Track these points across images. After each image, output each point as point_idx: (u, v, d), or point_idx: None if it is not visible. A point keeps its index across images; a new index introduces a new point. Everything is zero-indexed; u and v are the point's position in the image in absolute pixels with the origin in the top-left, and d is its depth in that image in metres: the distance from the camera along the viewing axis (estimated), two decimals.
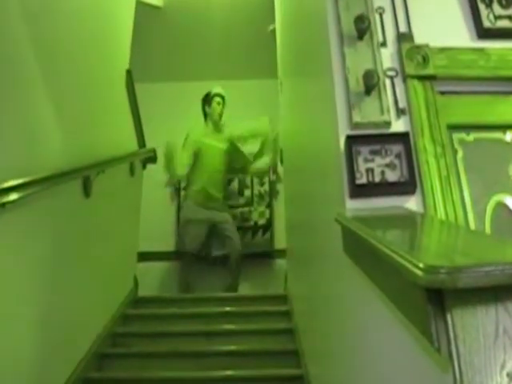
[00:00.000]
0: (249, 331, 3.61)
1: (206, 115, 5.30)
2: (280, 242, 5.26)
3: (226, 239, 5.07)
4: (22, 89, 2.25)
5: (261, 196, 5.92)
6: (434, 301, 0.84)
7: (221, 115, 5.22)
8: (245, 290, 5.15)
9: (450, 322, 0.81)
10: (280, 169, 5.53)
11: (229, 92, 5.62)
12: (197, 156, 5.12)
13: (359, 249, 1.39)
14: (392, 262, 0.95)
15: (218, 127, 5.25)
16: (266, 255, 5.67)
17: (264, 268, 5.57)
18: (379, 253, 1.05)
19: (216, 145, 5.16)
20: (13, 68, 2.17)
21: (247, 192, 5.89)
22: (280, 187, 5.79)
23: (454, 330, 0.80)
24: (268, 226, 5.78)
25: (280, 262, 5.32)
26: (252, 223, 5.75)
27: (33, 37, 2.35)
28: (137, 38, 4.52)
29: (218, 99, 5.21)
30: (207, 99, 5.24)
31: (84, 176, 2.94)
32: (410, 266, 0.85)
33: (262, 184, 5.98)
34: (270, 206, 5.90)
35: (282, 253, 4.91)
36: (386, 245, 1.03)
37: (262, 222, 5.78)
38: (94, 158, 3.07)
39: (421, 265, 0.82)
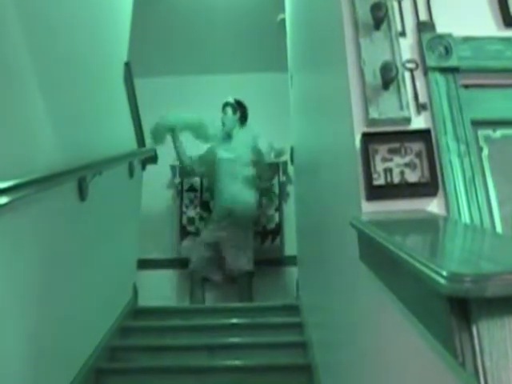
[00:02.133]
0: (257, 345, 3.61)
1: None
2: (291, 248, 5.24)
3: (230, 256, 5.09)
4: (10, 83, 2.25)
5: (270, 199, 5.92)
6: (458, 311, 0.84)
7: (229, 123, 5.30)
8: (253, 299, 5.13)
9: (475, 334, 0.81)
10: (290, 169, 5.54)
11: (236, 86, 5.62)
12: (213, 173, 5.30)
13: (376, 255, 1.39)
14: (412, 269, 0.95)
15: (227, 136, 5.32)
16: (275, 262, 5.67)
17: (274, 276, 5.57)
18: (398, 260, 1.05)
19: (225, 156, 5.24)
20: (0, 59, 2.17)
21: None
22: (290, 189, 5.79)
23: (480, 343, 0.80)
24: (278, 231, 5.77)
25: (291, 270, 5.31)
26: (261, 228, 5.75)
27: (24, 27, 2.36)
28: (136, 29, 4.53)
29: (225, 109, 5.34)
30: None
31: (79, 178, 2.94)
32: (431, 273, 0.85)
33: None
34: (279, 209, 5.89)
35: (293, 260, 4.90)
36: (405, 251, 1.03)
37: (271, 226, 5.78)
38: (89, 158, 3.07)
39: (444, 272, 0.81)
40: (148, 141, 4.96)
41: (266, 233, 5.74)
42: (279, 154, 5.91)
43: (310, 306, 3.48)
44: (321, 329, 2.94)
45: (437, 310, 0.92)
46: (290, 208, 5.58)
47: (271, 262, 5.62)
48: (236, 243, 5.02)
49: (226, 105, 5.33)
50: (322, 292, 2.84)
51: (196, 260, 5.08)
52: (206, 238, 5.14)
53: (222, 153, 5.26)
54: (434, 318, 0.95)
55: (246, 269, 5.00)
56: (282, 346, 3.59)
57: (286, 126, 4.92)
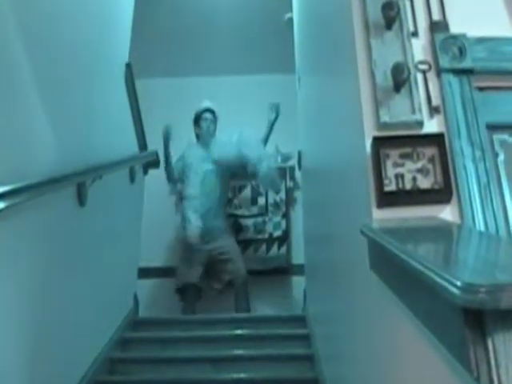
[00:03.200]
0: (262, 357, 3.60)
1: (198, 137, 5.37)
2: (298, 256, 5.23)
3: (225, 264, 5.03)
4: (8, 85, 2.26)
5: (276, 205, 5.91)
6: (473, 323, 0.84)
7: (211, 132, 5.27)
8: (258, 310, 5.13)
9: (490, 347, 0.81)
10: (298, 174, 5.53)
11: (240, 88, 5.63)
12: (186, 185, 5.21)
13: (387, 265, 1.39)
14: (425, 279, 0.95)
15: (207, 146, 5.28)
16: (281, 271, 5.65)
17: (280, 286, 5.55)
18: (410, 269, 1.05)
19: (204, 167, 5.18)
20: None
21: (261, 200, 5.88)
22: (298, 195, 5.78)
23: (496, 356, 0.80)
24: (284, 239, 5.75)
25: (298, 279, 5.29)
26: (266, 235, 5.73)
27: (22, 27, 2.37)
28: (137, 29, 4.54)
29: (205, 115, 5.26)
30: (196, 120, 5.31)
31: (78, 183, 2.95)
32: (445, 283, 0.85)
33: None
34: (286, 215, 5.88)
35: (300, 269, 4.89)
36: (417, 260, 1.03)
37: (277, 233, 5.76)
38: (89, 162, 3.08)
39: (458, 283, 0.81)
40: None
41: (272, 240, 5.73)
42: (286, 158, 5.90)
43: (318, 317, 3.48)
44: (329, 341, 2.93)
45: (450, 321, 0.92)
46: (297, 214, 5.56)
47: (277, 271, 5.60)
48: (226, 251, 5.02)
49: (205, 111, 5.26)
50: (330, 303, 2.83)
51: (185, 278, 4.99)
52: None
53: (198, 162, 5.19)
54: (448, 330, 0.95)
55: (243, 273, 4.96)
56: (288, 359, 3.59)
57: (293, 129, 4.91)
